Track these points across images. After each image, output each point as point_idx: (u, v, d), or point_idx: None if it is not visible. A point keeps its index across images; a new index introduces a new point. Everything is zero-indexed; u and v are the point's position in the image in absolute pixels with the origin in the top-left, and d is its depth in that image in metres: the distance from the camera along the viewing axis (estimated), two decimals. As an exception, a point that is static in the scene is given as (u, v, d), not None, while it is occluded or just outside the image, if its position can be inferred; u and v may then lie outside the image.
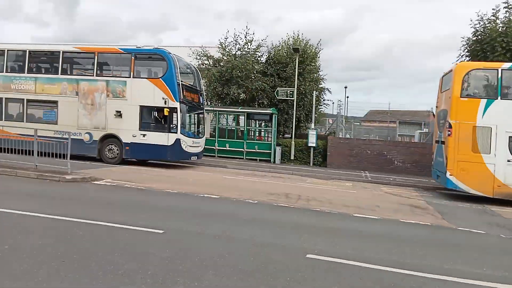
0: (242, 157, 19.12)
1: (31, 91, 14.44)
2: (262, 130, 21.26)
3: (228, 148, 19.18)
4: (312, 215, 8.01)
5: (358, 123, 40.90)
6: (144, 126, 13.70)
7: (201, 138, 15.49)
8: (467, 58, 19.50)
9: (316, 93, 21.79)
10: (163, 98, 13.35)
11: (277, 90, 19.94)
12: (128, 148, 13.72)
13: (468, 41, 19.54)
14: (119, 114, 13.73)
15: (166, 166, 14.51)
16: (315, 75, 23.24)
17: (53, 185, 9.30)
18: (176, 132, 13.49)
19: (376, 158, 19.01)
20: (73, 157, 11.39)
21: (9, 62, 15.10)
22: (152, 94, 13.48)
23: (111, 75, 14.50)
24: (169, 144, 13.46)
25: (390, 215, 8.62)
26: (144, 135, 13.58)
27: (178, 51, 22.51)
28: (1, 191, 8.17)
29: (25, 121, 14.25)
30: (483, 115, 11.23)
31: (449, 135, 11.56)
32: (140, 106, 13.62)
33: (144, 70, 14.58)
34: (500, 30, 18.08)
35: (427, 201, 11.08)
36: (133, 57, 13.79)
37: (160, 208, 7.57)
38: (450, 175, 11.50)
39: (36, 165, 10.47)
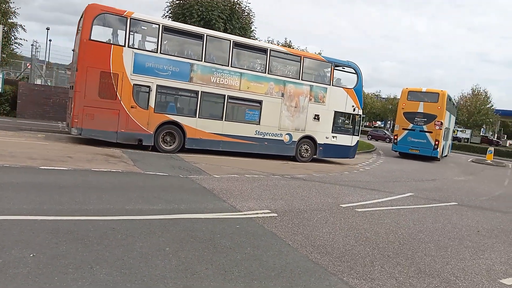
0: None
1: (234, 87, 13.23)
2: None
3: None
4: (-17, 171, 6.69)
5: (63, 71, 37.08)
6: (335, 129, 15.21)
7: None
8: (172, 19, 21.00)
9: (5, 28, 18.00)
10: (352, 106, 15.37)
11: None
12: (321, 148, 15.04)
13: (172, 4, 20.86)
14: (317, 118, 14.77)
15: None
16: (3, 6, 19.15)
17: None
18: (358, 135, 16.08)
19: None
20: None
21: (208, 51, 12.88)
22: (345, 101, 15.19)
23: (313, 81, 14.90)
24: (352, 145, 15.69)
25: (83, 165, 8.42)
26: (334, 137, 15.21)
27: None
28: None
29: (223, 119, 13.14)
30: None
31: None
32: (334, 111, 15.08)
33: (337, 80, 15.39)
34: None
35: (123, 150, 11.50)
36: (333, 67, 14.96)
37: None
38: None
39: None
